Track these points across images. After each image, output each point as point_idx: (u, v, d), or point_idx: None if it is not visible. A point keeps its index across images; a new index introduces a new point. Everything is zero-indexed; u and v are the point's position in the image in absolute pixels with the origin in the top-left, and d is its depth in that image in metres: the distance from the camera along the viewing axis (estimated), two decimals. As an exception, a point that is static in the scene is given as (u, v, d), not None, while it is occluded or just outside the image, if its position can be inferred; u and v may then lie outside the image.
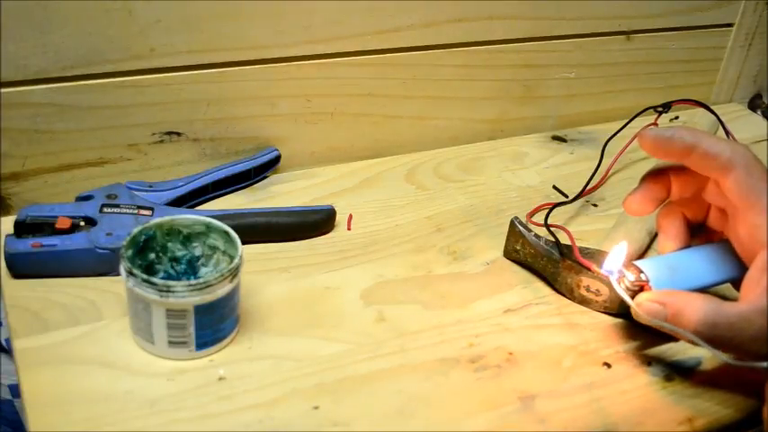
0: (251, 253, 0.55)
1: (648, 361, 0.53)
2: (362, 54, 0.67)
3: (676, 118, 0.84)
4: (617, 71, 0.82)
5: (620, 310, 0.55)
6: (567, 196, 0.68)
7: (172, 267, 0.52)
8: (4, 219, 0.58)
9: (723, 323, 0.45)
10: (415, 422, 0.47)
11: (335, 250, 0.60)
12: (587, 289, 0.56)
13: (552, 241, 0.57)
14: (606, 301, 0.56)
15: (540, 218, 0.62)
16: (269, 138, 0.67)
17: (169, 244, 0.52)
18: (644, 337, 0.54)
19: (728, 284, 0.53)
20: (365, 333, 0.52)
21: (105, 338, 0.50)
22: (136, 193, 0.59)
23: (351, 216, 0.64)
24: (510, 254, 0.61)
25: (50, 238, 0.53)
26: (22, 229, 0.54)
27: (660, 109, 0.67)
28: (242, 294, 0.51)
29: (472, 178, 0.71)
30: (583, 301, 0.57)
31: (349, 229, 0.63)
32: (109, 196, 0.57)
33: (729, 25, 0.86)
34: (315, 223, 0.61)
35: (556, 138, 0.80)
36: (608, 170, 0.71)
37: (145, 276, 0.46)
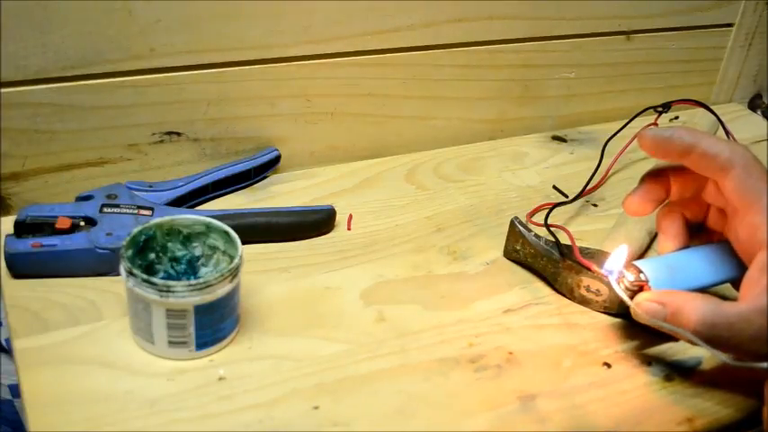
0: (251, 253, 0.55)
1: (648, 361, 0.53)
2: (362, 54, 0.67)
3: (676, 118, 0.84)
4: (617, 71, 0.81)
5: (620, 310, 0.55)
6: (567, 196, 0.68)
7: (172, 267, 0.52)
8: (4, 219, 0.58)
9: (722, 323, 0.45)
10: (415, 422, 0.47)
11: (335, 250, 0.60)
12: (587, 289, 0.56)
13: (552, 241, 0.57)
14: (606, 301, 0.56)
15: (540, 218, 0.62)
16: (269, 138, 0.67)
17: (169, 244, 0.52)
18: (644, 337, 0.54)
19: (728, 284, 0.53)
20: (365, 333, 0.52)
21: (105, 338, 0.50)
22: (136, 193, 0.59)
23: (351, 216, 0.64)
24: (510, 254, 0.61)
25: (50, 238, 0.53)
26: (22, 229, 0.54)
27: (660, 109, 0.67)
28: (242, 294, 0.51)
29: (472, 178, 0.71)
30: (583, 301, 0.57)
31: (349, 229, 0.63)
32: (109, 196, 0.57)
33: (729, 25, 0.86)
34: (315, 223, 0.61)
35: (556, 138, 0.80)
36: (608, 170, 0.71)
37: (145, 276, 0.46)
